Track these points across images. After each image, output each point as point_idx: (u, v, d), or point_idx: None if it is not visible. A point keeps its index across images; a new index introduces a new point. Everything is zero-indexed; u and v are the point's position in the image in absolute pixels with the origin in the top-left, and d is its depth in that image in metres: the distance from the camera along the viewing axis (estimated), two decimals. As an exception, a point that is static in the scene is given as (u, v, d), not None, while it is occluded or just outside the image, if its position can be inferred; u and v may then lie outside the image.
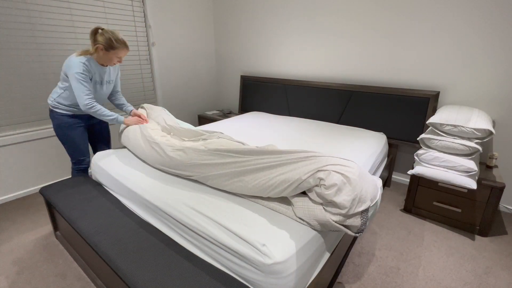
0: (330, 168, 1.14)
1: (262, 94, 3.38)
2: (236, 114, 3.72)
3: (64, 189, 1.75)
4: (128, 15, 2.84)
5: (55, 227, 1.84)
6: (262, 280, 1.01)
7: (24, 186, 2.44)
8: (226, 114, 3.69)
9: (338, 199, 1.07)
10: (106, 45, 1.69)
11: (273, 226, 1.13)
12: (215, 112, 3.84)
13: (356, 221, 1.09)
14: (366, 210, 1.11)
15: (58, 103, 1.82)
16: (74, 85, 1.67)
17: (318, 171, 1.15)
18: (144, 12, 2.98)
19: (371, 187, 1.18)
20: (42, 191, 1.74)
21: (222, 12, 3.63)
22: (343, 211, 1.07)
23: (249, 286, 1.05)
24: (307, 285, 1.15)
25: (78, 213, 1.49)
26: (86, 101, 1.70)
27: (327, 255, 1.29)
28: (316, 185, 1.14)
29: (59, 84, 1.82)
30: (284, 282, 1.00)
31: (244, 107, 3.64)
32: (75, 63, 1.66)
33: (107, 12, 2.67)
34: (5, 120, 2.24)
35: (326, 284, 1.41)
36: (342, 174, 1.11)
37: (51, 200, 1.64)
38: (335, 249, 1.36)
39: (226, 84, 3.98)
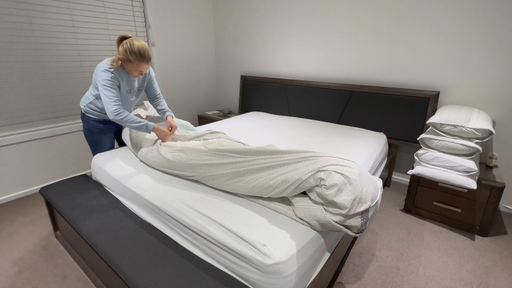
0: (331, 168, 1.14)
1: (262, 94, 3.38)
2: (236, 114, 3.72)
3: (64, 189, 1.74)
4: (128, 15, 2.84)
5: (55, 227, 1.84)
6: (262, 280, 1.01)
7: (24, 186, 2.44)
8: (226, 114, 3.69)
9: (338, 199, 1.07)
10: (123, 56, 1.61)
11: (273, 226, 1.13)
12: (215, 112, 3.84)
13: (356, 221, 1.09)
14: (367, 211, 1.11)
15: (90, 108, 1.81)
16: (101, 92, 1.61)
17: (319, 171, 1.15)
18: (144, 12, 2.98)
19: (372, 187, 1.18)
20: (42, 191, 1.74)
21: (222, 12, 3.63)
22: (344, 211, 1.07)
23: (249, 286, 1.05)
24: (307, 285, 1.15)
25: (78, 213, 1.49)
26: (113, 107, 1.60)
27: (327, 255, 1.29)
28: (317, 185, 1.14)
29: (91, 90, 1.79)
30: (284, 282, 1.00)
31: (244, 107, 3.64)
32: (101, 72, 1.61)
33: (107, 12, 2.67)
34: (5, 120, 2.24)
35: (326, 284, 1.41)
36: (342, 174, 1.11)
37: (51, 200, 1.64)
38: (335, 249, 1.36)
39: (226, 84, 3.98)
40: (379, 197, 1.21)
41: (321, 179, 1.12)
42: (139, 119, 1.69)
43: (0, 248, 1.79)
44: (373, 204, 1.14)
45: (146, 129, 1.71)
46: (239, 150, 1.39)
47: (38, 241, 1.85)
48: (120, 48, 1.61)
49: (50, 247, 1.79)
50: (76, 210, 1.52)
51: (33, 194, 2.48)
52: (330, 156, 1.25)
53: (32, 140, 2.40)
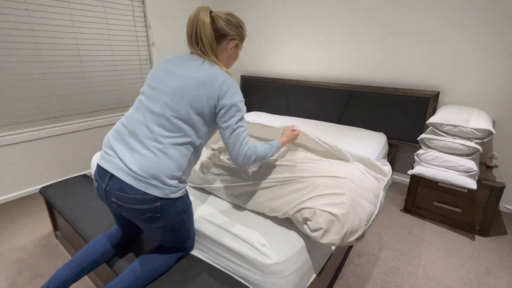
0: (316, 202, 1.08)
1: (262, 94, 3.38)
2: (236, 114, 3.71)
3: (64, 189, 1.75)
4: (128, 15, 2.84)
5: (55, 227, 1.84)
6: (262, 280, 1.01)
7: (24, 186, 2.44)
8: (226, 114, 3.69)
9: (326, 240, 1.03)
10: (237, 35, 1.07)
11: (273, 226, 1.13)
12: (215, 112, 3.84)
13: (352, 242, 1.06)
14: (362, 234, 1.08)
15: (185, 175, 1.00)
16: (237, 125, 0.98)
17: (303, 208, 1.09)
18: (144, 12, 2.98)
19: (367, 209, 1.12)
20: (42, 191, 1.74)
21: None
22: (336, 243, 1.05)
23: (249, 286, 1.05)
24: (307, 285, 1.15)
25: (78, 213, 1.49)
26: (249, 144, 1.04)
27: (327, 255, 1.29)
28: (304, 223, 1.10)
29: (176, 138, 0.94)
30: (284, 282, 1.00)
31: (244, 107, 3.63)
32: (235, 85, 0.98)
33: (107, 12, 2.67)
34: (5, 120, 2.24)
35: (326, 284, 1.41)
36: (329, 212, 1.05)
37: (51, 200, 1.64)
38: (335, 249, 1.36)
39: (226, 84, 3.97)
40: (381, 197, 1.20)
41: (307, 218, 1.08)
42: (265, 145, 1.12)
43: (0, 248, 1.79)
44: (369, 223, 1.11)
45: (278, 147, 1.18)
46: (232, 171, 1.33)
47: (38, 241, 1.85)
48: (229, 26, 1.04)
49: (50, 247, 1.79)
50: (76, 210, 1.52)
51: (33, 194, 2.48)
52: (319, 176, 1.17)
53: (32, 140, 2.39)
